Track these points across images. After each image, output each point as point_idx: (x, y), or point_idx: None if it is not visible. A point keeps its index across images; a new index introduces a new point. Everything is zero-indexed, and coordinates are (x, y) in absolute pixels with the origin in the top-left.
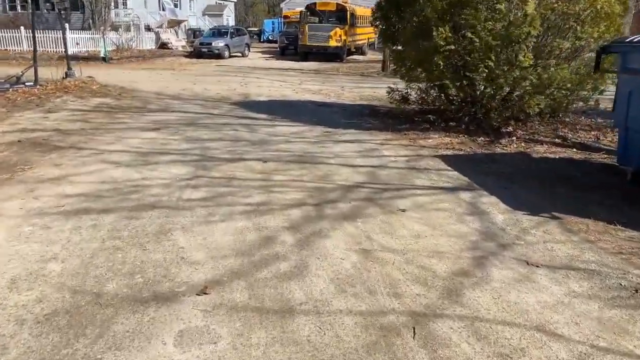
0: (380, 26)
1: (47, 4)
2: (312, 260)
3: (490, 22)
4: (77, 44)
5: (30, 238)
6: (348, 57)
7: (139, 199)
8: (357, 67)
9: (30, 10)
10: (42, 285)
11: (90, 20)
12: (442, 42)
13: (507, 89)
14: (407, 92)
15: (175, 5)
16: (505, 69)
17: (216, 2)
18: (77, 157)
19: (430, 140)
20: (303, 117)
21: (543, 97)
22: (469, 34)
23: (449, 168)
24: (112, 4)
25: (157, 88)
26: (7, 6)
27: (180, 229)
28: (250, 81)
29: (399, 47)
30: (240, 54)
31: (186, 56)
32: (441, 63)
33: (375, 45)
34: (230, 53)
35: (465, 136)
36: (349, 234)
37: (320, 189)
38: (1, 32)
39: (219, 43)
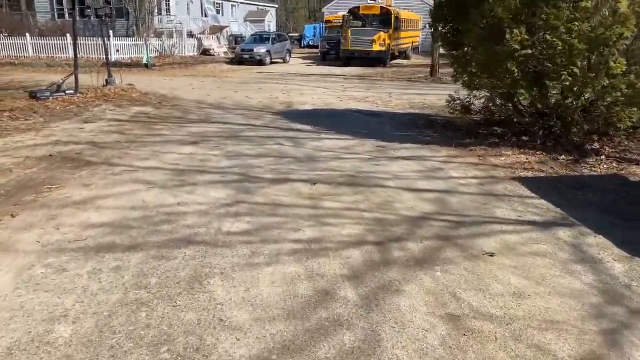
0: (440, 28)
1: (90, 11)
2: (385, 330)
3: (575, 23)
4: (117, 50)
5: (41, 285)
6: (392, 62)
7: (171, 230)
8: (403, 72)
9: (77, 17)
10: (44, 359)
11: (134, 27)
12: (516, 46)
13: (590, 99)
14: (469, 100)
15: (217, 12)
16: (592, 76)
17: (257, 8)
18: (109, 175)
19: (502, 158)
20: (351, 129)
21: (636, 108)
22: (548, 36)
23: (534, 195)
24: (156, 10)
25: (198, 96)
26: (56, 14)
27: (218, 275)
28: (292, 88)
29: (461, 51)
30: (281, 60)
31: (227, 62)
32: (515, 70)
33: (420, 49)
34: (271, 59)
35: (543, 154)
36: (428, 290)
37: (380, 221)
38: (49, 40)
39: (260, 49)
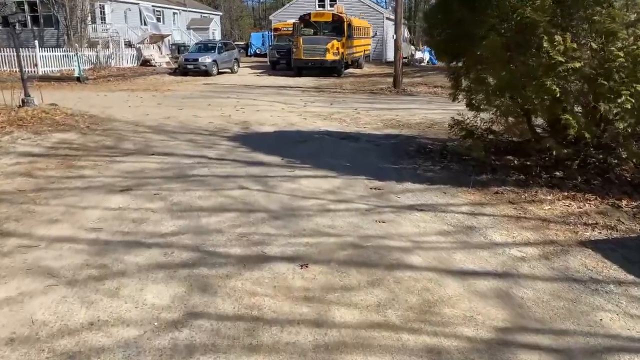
0: (436, 35)
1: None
2: None
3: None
4: (35, 64)
5: None
6: (345, 71)
7: None
8: (361, 83)
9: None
10: None
11: (65, 37)
12: (560, 58)
13: None
14: (477, 124)
15: (158, 20)
16: None
17: (201, 16)
18: None
19: (546, 207)
20: (329, 160)
21: None
22: (596, 45)
23: (632, 277)
24: (89, 18)
25: (136, 116)
26: None
27: None
28: (246, 104)
29: (467, 63)
30: (229, 70)
31: (170, 74)
32: (556, 88)
33: (371, 58)
34: (218, 69)
35: (597, 198)
36: None
37: (436, 353)
38: None
39: (206, 59)
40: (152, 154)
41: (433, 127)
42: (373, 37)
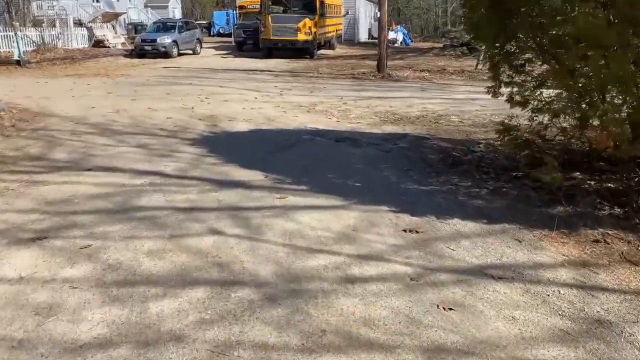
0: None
1: None
2: None
3: None
4: None
5: None
6: (317, 53)
7: None
8: (339, 66)
9: None
10: None
11: (6, 14)
12: None
13: None
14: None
15: None
16: None
17: None
18: None
19: None
20: (330, 176)
21: None
22: None
23: None
24: None
25: (79, 109)
26: None
27: None
28: (212, 92)
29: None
30: (191, 51)
31: (126, 56)
32: None
33: (343, 39)
34: (179, 50)
35: None
36: None
37: None
38: None
39: (165, 39)
40: (89, 169)
41: (440, 123)
42: (344, 15)
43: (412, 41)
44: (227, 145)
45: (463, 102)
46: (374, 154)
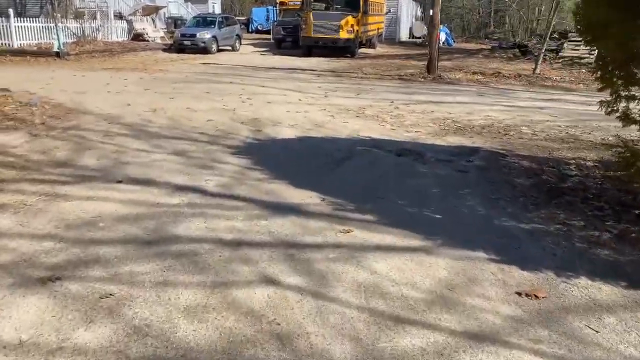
0: None
1: None
2: None
3: None
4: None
5: None
6: (358, 52)
7: None
8: (383, 66)
9: None
10: None
11: (49, 5)
12: None
13: None
14: None
15: None
16: None
17: None
18: None
19: None
20: (400, 203)
21: None
22: None
23: None
24: None
25: (114, 107)
26: None
27: None
28: (253, 92)
29: None
30: (230, 48)
31: (165, 50)
32: None
33: (383, 37)
34: (218, 46)
35: None
36: None
37: None
38: None
39: (204, 34)
40: (120, 181)
41: (510, 135)
42: (387, 14)
43: (454, 42)
44: (274, 155)
45: (529, 110)
46: (448, 175)
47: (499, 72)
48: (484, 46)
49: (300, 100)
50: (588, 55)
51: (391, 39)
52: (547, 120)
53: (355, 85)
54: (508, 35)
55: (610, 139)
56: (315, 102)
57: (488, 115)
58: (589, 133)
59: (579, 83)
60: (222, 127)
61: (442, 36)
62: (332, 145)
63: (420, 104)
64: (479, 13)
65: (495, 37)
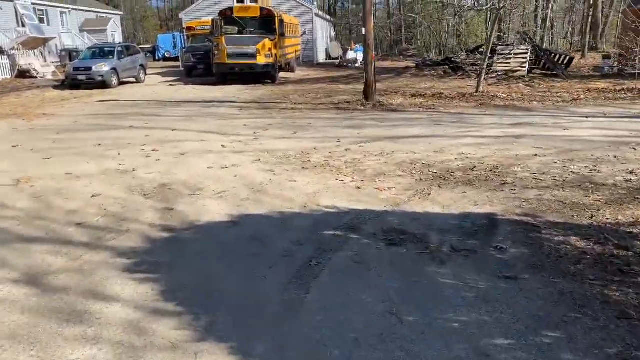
0: None
1: None
2: None
3: None
4: None
5: None
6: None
7: None
8: (310, 92)
9: None
10: None
11: None
12: None
13: None
14: None
15: (41, 20)
16: None
17: (97, 16)
18: None
19: None
20: None
21: None
22: None
23: None
24: None
25: None
26: None
27: None
28: (162, 138)
29: None
30: (134, 79)
31: (57, 87)
32: None
33: (301, 60)
34: (119, 79)
35: None
36: None
37: None
38: None
39: (102, 67)
40: None
41: (508, 182)
42: (302, 35)
43: None
44: (195, 271)
45: (504, 141)
46: (491, 289)
47: (440, 94)
48: (408, 64)
49: (224, 147)
50: (520, 68)
51: (309, 61)
52: (536, 155)
53: (288, 119)
54: (422, 52)
55: (633, 179)
56: (244, 147)
57: (462, 153)
58: (597, 170)
59: (532, 101)
60: (113, 208)
61: (360, 55)
62: (285, 231)
63: (373, 142)
64: (391, 30)
65: (410, 54)
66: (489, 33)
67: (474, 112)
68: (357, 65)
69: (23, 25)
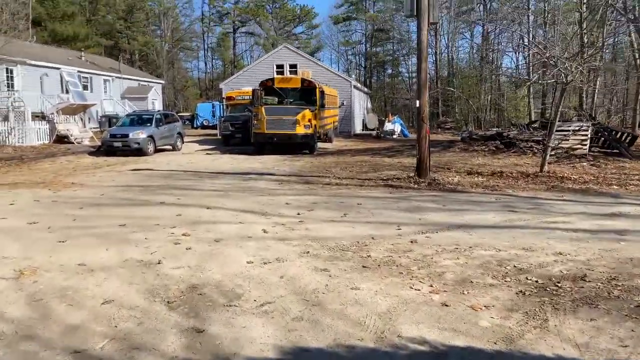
0: None
1: None
2: None
3: None
4: None
5: None
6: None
7: None
8: (353, 165)
9: None
10: None
11: None
12: None
13: None
14: None
15: (85, 88)
16: None
17: (139, 84)
18: None
19: None
20: None
21: None
22: None
23: None
24: None
25: None
26: None
27: None
28: (195, 220)
29: None
30: (170, 147)
31: (92, 153)
32: None
33: (339, 130)
34: (155, 147)
35: None
36: None
37: None
38: None
39: (139, 134)
40: None
41: None
42: (340, 106)
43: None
44: None
45: (604, 237)
46: None
47: (501, 172)
48: (451, 137)
49: (265, 232)
50: (580, 146)
51: (345, 131)
52: None
53: (334, 197)
54: (460, 124)
55: None
56: (288, 233)
57: (559, 253)
58: None
59: (610, 184)
60: (126, 323)
61: (398, 127)
62: None
63: (441, 231)
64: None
65: (448, 127)
66: (553, 108)
67: (549, 196)
68: (394, 136)
69: (67, 92)
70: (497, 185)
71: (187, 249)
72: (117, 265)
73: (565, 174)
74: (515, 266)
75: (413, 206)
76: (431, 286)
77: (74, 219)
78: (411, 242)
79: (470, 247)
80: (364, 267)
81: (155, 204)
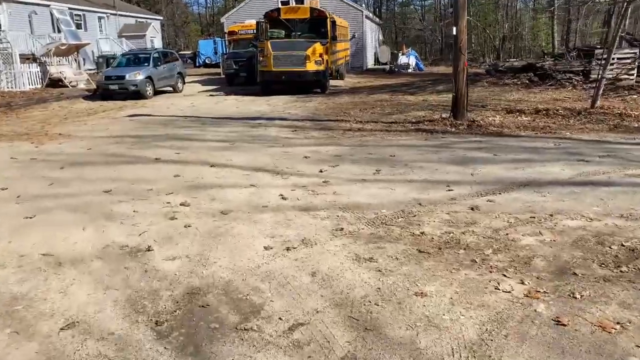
0: None
1: None
2: None
3: None
4: None
5: None
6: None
7: None
8: (375, 106)
9: None
10: None
11: None
12: None
13: None
14: None
15: (78, 27)
16: None
17: (136, 21)
18: None
19: None
20: None
21: None
22: None
23: None
24: None
25: None
26: None
27: None
28: (196, 182)
29: None
30: (171, 89)
31: (87, 97)
32: None
33: (350, 66)
34: (155, 89)
35: None
36: None
37: None
38: None
39: (136, 76)
40: None
41: None
42: (352, 39)
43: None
44: None
45: None
46: None
47: (547, 109)
48: (477, 70)
49: (284, 199)
50: (627, 76)
51: (357, 67)
52: None
53: (359, 147)
54: (478, 56)
55: None
56: (312, 200)
57: None
58: None
59: None
60: None
61: (412, 61)
62: None
63: (505, 192)
64: (442, 33)
65: (467, 59)
66: (613, 31)
67: (617, 138)
68: (409, 70)
69: (59, 32)
70: (548, 126)
71: (185, 226)
72: (94, 254)
73: (621, 109)
74: (623, 244)
75: (458, 156)
76: (522, 283)
77: (51, 183)
78: (471, 209)
79: (551, 214)
80: (420, 251)
81: (150, 160)
